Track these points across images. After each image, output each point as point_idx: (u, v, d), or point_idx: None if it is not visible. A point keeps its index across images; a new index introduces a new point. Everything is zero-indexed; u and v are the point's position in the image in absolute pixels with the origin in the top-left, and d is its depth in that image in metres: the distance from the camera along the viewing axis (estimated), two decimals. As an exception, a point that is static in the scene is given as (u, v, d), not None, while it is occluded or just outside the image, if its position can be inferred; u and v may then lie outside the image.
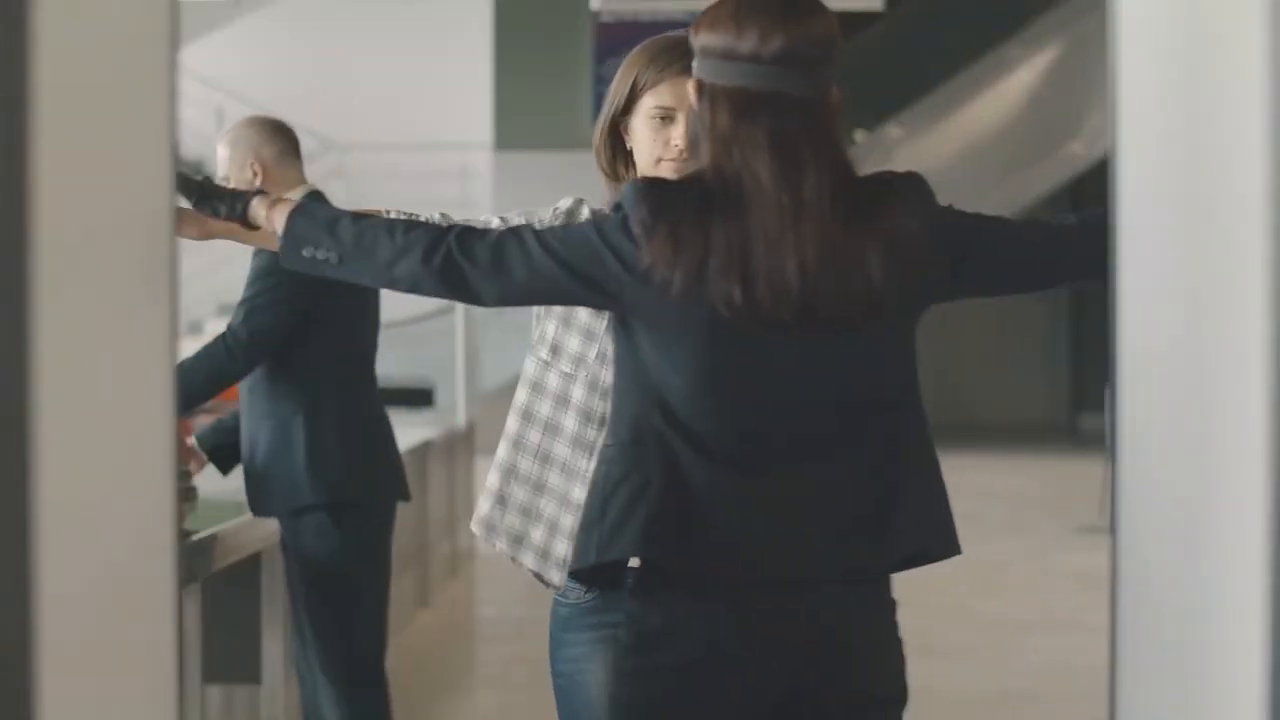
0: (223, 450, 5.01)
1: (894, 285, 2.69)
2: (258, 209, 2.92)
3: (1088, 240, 2.82)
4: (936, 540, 2.80)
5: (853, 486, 2.73)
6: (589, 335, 3.10)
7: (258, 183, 4.79)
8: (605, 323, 3.06)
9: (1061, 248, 2.90)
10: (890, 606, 2.83)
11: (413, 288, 2.78)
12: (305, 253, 2.82)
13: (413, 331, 17.12)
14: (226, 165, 4.85)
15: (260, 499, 4.79)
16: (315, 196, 4.81)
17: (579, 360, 3.09)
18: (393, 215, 2.98)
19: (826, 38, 2.75)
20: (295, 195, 4.76)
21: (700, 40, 2.77)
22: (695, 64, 2.78)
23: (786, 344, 2.69)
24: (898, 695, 2.81)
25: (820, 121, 2.72)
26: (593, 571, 2.75)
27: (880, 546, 2.74)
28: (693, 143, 2.88)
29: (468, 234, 2.77)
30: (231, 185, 4.76)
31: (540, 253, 2.73)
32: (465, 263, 2.74)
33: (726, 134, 2.71)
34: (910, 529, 2.75)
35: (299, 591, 4.80)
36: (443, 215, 3.04)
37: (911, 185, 2.76)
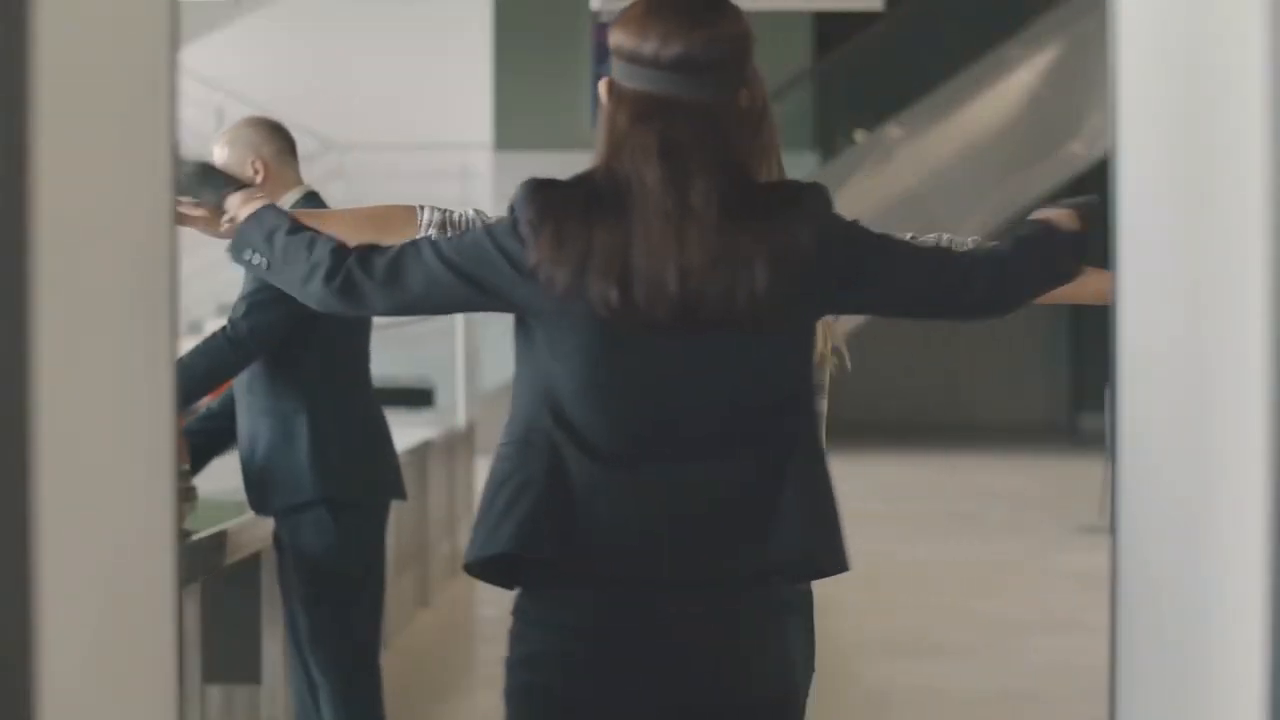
0: (195, 448, 4.99)
1: (779, 292, 2.69)
2: (232, 200, 3.00)
3: (987, 274, 2.83)
4: (823, 551, 2.76)
5: (736, 491, 2.72)
6: None
7: (259, 180, 4.79)
8: None
9: (959, 281, 2.85)
10: (781, 610, 2.80)
11: (321, 304, 2.83)
12: (245, 255, 2.91)
13: (413, 331, 17.10)
14: (226, 165, 4.83)
15: (259, 496, 4.79)
16: (311, 198, 4.83)
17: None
18: (426, 212, 3.05)
19: (733, 42, 2.77)
20: (292, 195, 4.78)
21: (612, 40, 2.81)
22: (612, 62, 2.82)
23: (670, 346, 2.71)
24: (779, 698, 2.80)
25: (718, 127, 2.74)
26: (475, 567, 2.76)
27: (762, 552, 2.72)
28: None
29: (370, 251, 2.82)
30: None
31: (436, 262, 2.76)
32: (364, 278, 2.79)
33: (621, 136, 2.74)
34: (793, 537, 2.72)
35: (295, 589, 4.80)
36: (477, 212, 3.06)
37: (811, 195, 2.76)
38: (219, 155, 4.86)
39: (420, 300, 2.79)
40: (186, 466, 4.79)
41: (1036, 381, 19.19)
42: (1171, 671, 2.18)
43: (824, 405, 3.39)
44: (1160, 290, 2.24)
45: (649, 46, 2.76)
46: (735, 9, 2.82)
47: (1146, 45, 2.30)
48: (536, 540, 2.70)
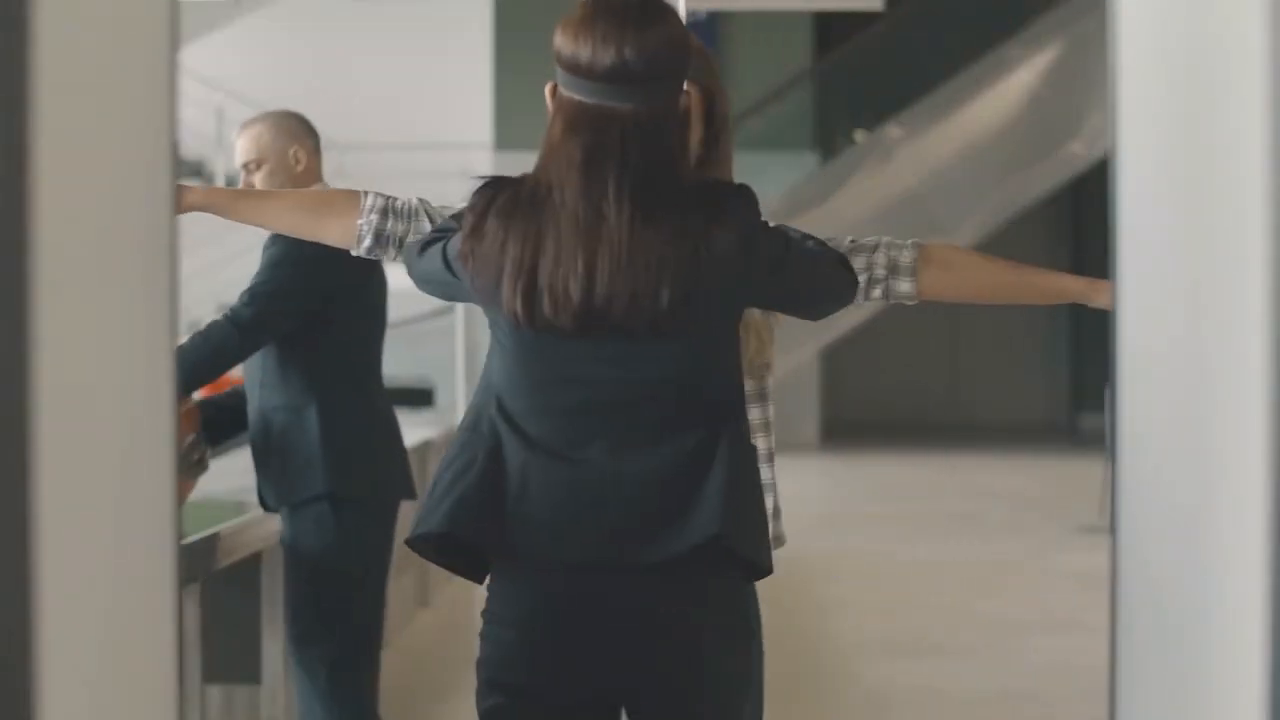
0: (216, 424, 4.96)
1: (692, 296, 2.77)
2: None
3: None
4: (741, 540, 2.81)
5: (659, 479, 2.80)
6: None
7: (298, 169, 4.77)
8: None
9: (845, 289, 2.99)
10: (705, 592, 2.84)
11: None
12: None
13: (413, 331, 17.10)
14: (263, 148, 4.78)
15: (268, 490, 4.78)
16: None
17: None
18: (369, 198, 3.13)
19: (665, 50, 2.82)
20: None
21: (555, 41, 2.88)
22: (555, 65, 2.88)
23: (581, 348, 2.80)
24: (715, 676, 2.85)
25: (646, 136, 2.80)
26: (415, 543, 2.88)
27: (680, 537, 2.78)
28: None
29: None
30: (266, 169, 4.75)
31: (417, 261, 2.93)
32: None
33: (554, 145, 2.83)
34: (707, 518, 2.77)
35: (292, 584, 4.79)
36: (421, 200, 3.14)
37: (737, 197, 2.83)
38: (256, 137, 4.79)
39: (429, 289, 2.96)
40: (193, 436, 4.75)
41: (1036, 381, 19.18)
42: (1171, 671, 2.18)
43: (770, 411, 3.39)
44: (1160, 290, 2.24)
45: (584, 56, 2.82)
46: (672, 15, 2.87)
47: (1146, 45, 2.30)
48: (469, 520, 2.81)
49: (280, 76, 18.22)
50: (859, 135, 16.77)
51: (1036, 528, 11.57)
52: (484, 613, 2.89)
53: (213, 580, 4.53)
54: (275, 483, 4.76)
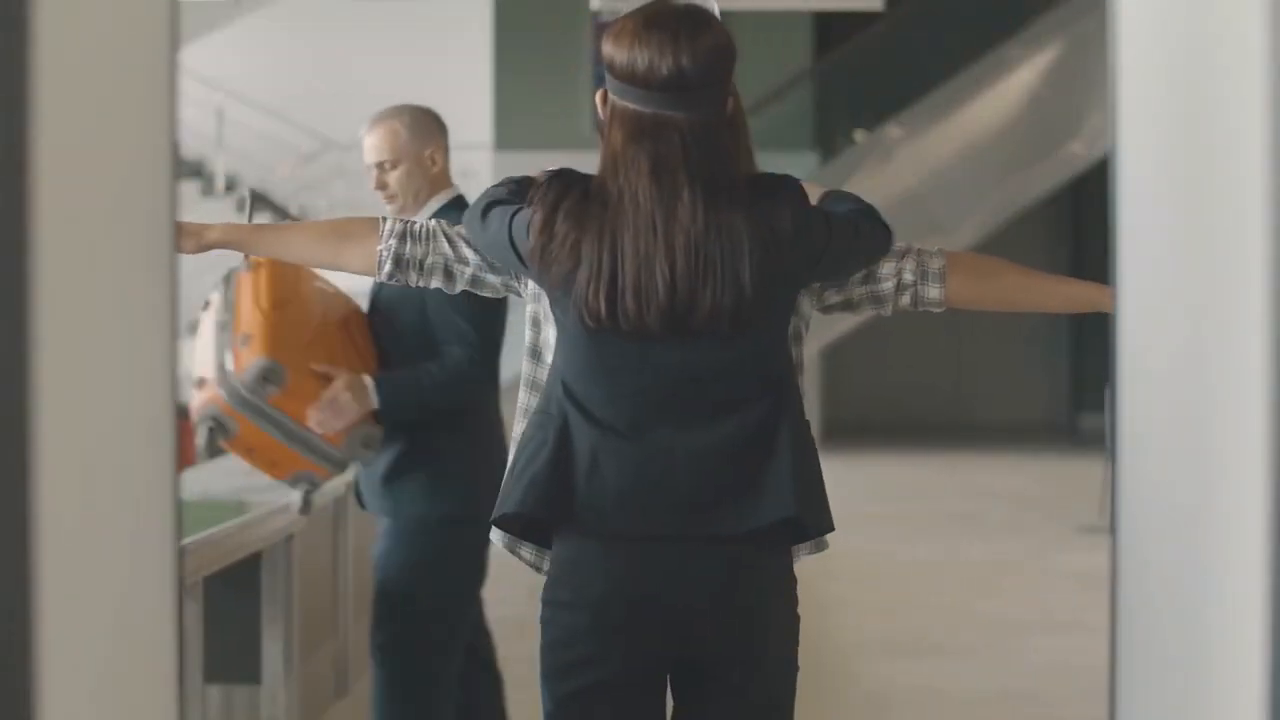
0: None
1: (766, 283, 2.91)
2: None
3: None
4: (809, 512, 2.96)
5: (724, 453, 2.92)
6: None
7: (435, 170, 4.66)
8: None
9: (882, 235, 3.14)
10: (776, 572, 2.99)
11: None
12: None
13: (413, 331, 17.09)
14: (399, 148, 4.65)
15: (375, 494, 4.76)
16: (459, 201, 4.69)
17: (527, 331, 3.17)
18: (388, 223, 3.17)
19: (717, 57, 2.95)
20: (445, 196, 4.67)
21: (605, 52, 2.96)
22: (606, 73, 2.97)
23: (660, 348, 2.92)
24: (775, 657, 2.99)
25: (705, 140, 2.93)
26: (500, 524, 3.01)
27: (749, 512, 2.92)
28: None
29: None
30: (402, 169, 4.64)
31: (481, 226, 3.04)
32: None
33: (617, 153, 2.93)
34: (779, 498, 2.92)
35: (393, 594, 4.75)
36: (438, 222, 3.18)
37: (787, 185, 2.97)
38: (391, 136, 4.67)
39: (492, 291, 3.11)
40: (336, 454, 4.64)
41: (1036, 381, 19.17)
42: (1171, 671, 2.18)
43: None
44: (1160, 290, 2.24)
45: (640, 65, 2.92)
46: (718, 23, 3.00)
47: (1146, 45, 2.30)
48: (540, 501, 2.93)
49: (280, 76, 18.22)
50: (859, 135, 16.77)
51: (1036, 528, 11.56)
52: (546, 599, 2.97)
53: (213, 580, 4.52)
54: (393, 492, 4.72)
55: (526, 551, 3.09)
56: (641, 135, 2.92)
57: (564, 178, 2.95)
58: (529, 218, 2.94)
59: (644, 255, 2.88)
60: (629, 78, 2.92)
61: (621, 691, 2.93)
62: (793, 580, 3.01)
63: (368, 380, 4.60)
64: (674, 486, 2.91)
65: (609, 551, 2.92)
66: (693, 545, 2.92)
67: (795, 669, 3.03)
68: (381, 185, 4.67)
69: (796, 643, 3.04)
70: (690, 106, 2.92)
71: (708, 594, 2.92)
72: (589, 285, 2.88)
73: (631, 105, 2.93)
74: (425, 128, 4.70)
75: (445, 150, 4.74)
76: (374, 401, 4.59)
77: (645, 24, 2.92)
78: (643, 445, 2.92)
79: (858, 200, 3.14)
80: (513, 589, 8.69)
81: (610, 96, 2.96)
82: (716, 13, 3.03)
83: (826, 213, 3.03)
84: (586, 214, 2.90)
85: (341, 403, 4.55)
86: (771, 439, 2.94)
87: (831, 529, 3.02)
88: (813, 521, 2.97)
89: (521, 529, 3.00)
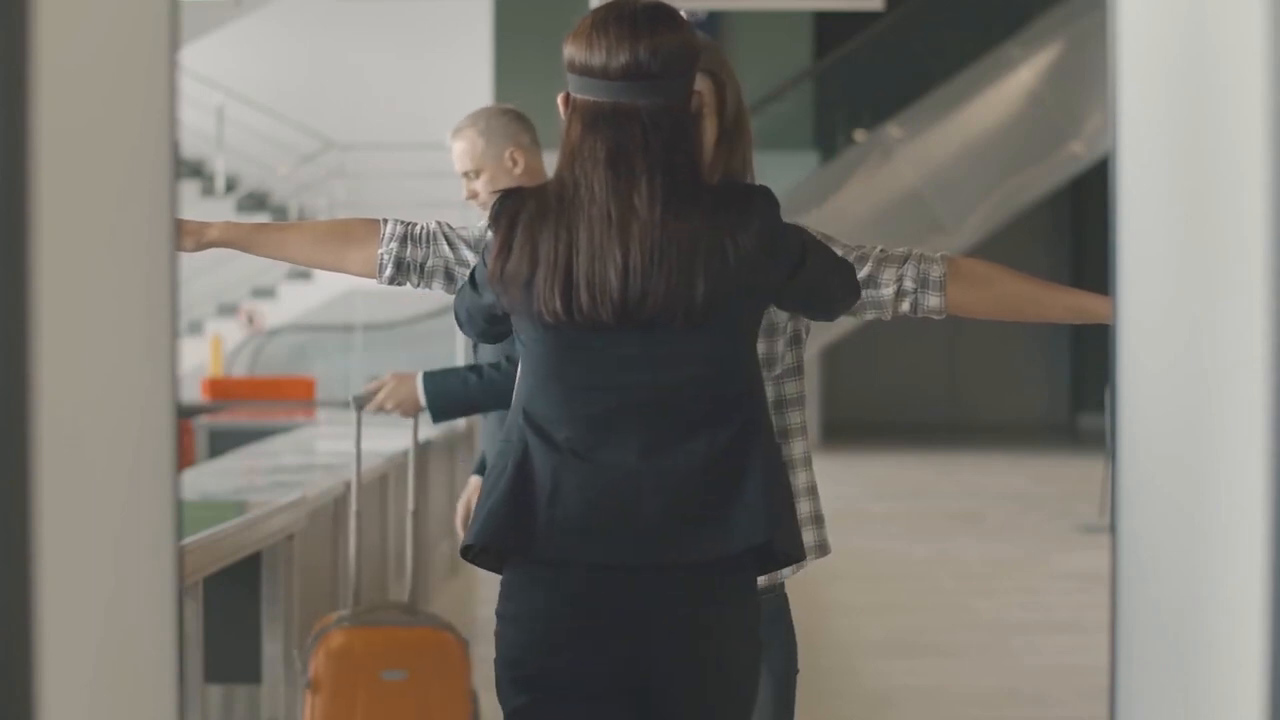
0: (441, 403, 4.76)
1: (722, 289, 2.82)
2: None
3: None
4: (781, 537, 2.87)
5: (692, 478, 2.83)
6: None
7: (517, 172, 4.64)
8: None
9: (852, 294, 3.08)
10: (743, 597, 2.89)
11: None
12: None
13: (413, 331, 17.11)
14: (479, 157, 4.67)
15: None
16: None
17: None
18: (389, 225, 3.17)
19: (677, 49, 2.89)
20: None
21: (565, 53, 2.93)
22: (566, 74, 2.93)
23: (616, 343, 2.84)
24: (740, 683, 2.90)
25: (666, 131, 2.86)
26: (463, 555, 2.93)
27: (721, 537, 2.83)
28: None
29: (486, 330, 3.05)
30: (485, 176, 4.62)
31: (471, 303, 2.97)
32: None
33: (575, 146, 2.88)
34: (752, 522, 2.83)
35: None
36: (439, 223, 3.18)
37: (760, 198, 2.89)
38: (469, 145, 4.67)
39: (490, 332, 3.01)
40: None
41: (1036, 381, 19.18)
42: (1171, 671, 2.18)
43: (802, 417, 3.38)
44: (1160, 290, 2.24)
45: (597, 58, 2.88)
46: (679, 19, 2.96)
47: (1146, 45, 2.30)
48: (497, 532, 2.85)
49: (280, 76, 18.22)
50: (859, 135, 16.77)
51: (1036, 528, 11.57)
52: (500, 612, 2.91)
53: (213, 580, 4.53)
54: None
55: None
56: (600, 124, 2.87)
57: (513, 195, 2.89)
58: (487, 245, 2.89)
59: (598, 247, 2.81)
60: (586, 70, 2.88)
61: (572, 708, 2.85)
62: (757, 608, 2.90)
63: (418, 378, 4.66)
64: (637, 514, 2.82)
65: (562, 576, 2.84)
66: (652, 573, 2.83)
67: (753, 702, 2.93)
68: (472, 194, 4.67)
69: (758, 674, 2.94)
70: (650, 94, 2.86)
71: (666, 623, 2.83)
72: (545, 283, 2.81)
73: (590, 97, 2.88)
74: (501, 131, 4.68)
75: (528, 148, 4.69)
76: (421, 398, 4.62)
77: (604, 19, 2.89)
78: (605, 468, 2.83)
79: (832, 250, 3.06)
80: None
81: (570, 94, 2.91)
82: (683, 13, 3.02)
83: (805, 233, 2.97)
84: (543, 216, 2.84)
85: (389, 388, 4.63)
86: (742, 460, 2.83)
87: (803, 556, 2.93)
88: (784, 546, 2.87)
89: (485, 560, 2.91)
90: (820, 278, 2.98)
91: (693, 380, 2.85)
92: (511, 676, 2.88)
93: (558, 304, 2.81)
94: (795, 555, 2.89)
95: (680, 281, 2.80)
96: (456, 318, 3.05)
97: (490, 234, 2.89)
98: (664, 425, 2.84)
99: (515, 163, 4.66)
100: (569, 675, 2.85)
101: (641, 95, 2.86)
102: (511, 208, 2.87)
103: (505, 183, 4.61)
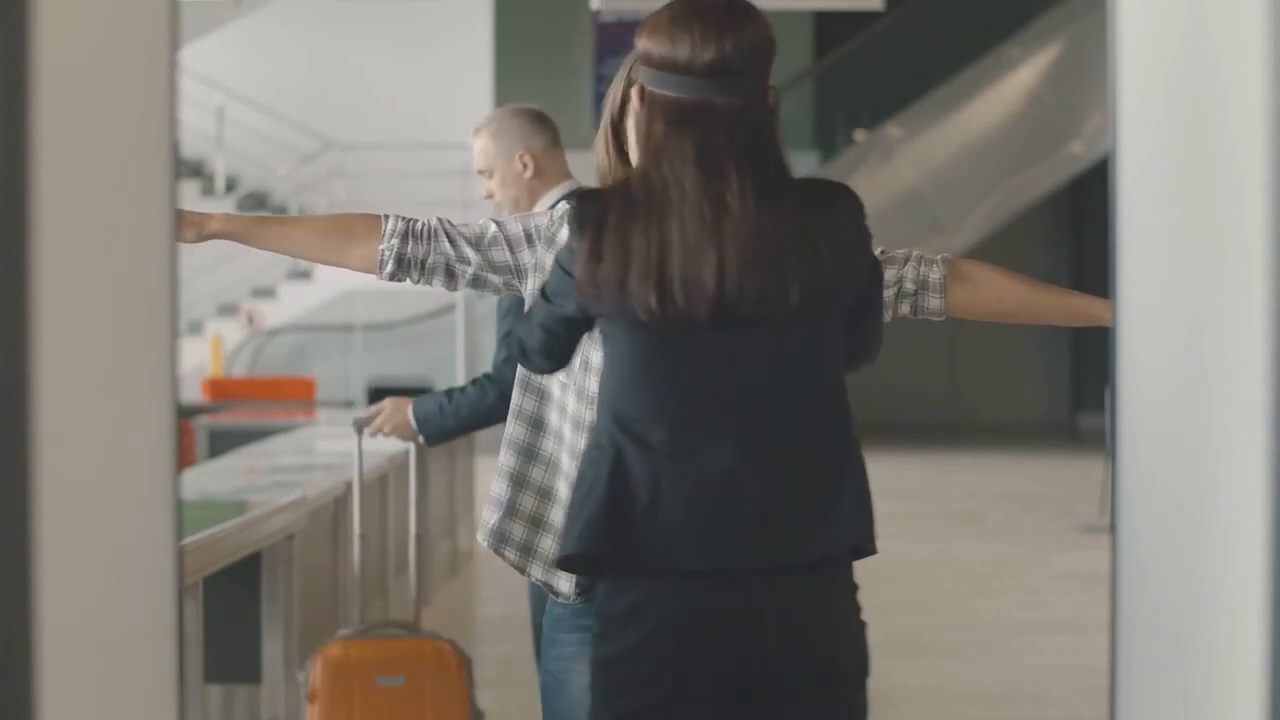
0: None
1: (814, 286, 2.82)
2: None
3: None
4: (871, 533, 2.92)
5: (789, 478, 2.84)
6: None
7: (527, 175, 4.60)
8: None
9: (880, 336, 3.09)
10: (845, 590, 2.93)
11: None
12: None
13: (413, 331, 17.11)
14: (490, 158, 4.63)
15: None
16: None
17: (569, 369, 3.10)
18: (390, 220, 3.13)
19: (760, 46, 2.87)
20: (559, 190, 4.58)
21: (641, 46, 2.89)
22: (640, 68, 2.90)
23: (711, 343, 2.82)
24: (852, 674, 2.92)
25: (750, 128, 2.85)
26: (562, 565, 2.91)
27: (824, 536, 2.85)
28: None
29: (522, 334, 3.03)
30: (496, 178, 4.60)
31: (547, 315, 2.96)
32: (524, 359, 3.04)
33: (659, 143, 2.85)
34: (851, 520, 2.87)
35: None
36: (440, 220, 3.13)
37: (846, 198, 2.89)
38: (482, 147, 4.65)
39: (561, 348, 2.99)
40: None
41: (1036, 381, 19.18)
42: (1171, 671, 2.18)
43: None
44: (1160, 290, 2.24)
45: (682, 53, 2.84)
46: (759, 13, 2.93)
47: (1146, 45, 2.30)
48: (598, 538, 2.82)
49: (280, 76, 18.22)
50: (859, 135, 16.77)
51: (1036, 528, 11.57)
52: (599, 638, 2.87)
53: (213, 580, 4.53)
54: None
55: (563, 583, 3.06)
56: (684, 122, 2.84)
57: (593, 199, 2.86)
58: (571, 248, 2.86)
59: (692, 245, 2.79)
60: (669, 66, 2.85)
61: (684, 712, 2.83)
62: (858, 606, 2.94)
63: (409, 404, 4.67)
64: (739, 516, 2.81)
65: (667, 583, 2.82)
66: (756, 576, 2.82)
67: (865, 703, 2.93)
68: (488, 194, 4.67)
69: (867, 672, 2.95)
70: (734, 93, 2.84)
71: (777, 626, 2.83)
72: (639, 282, 2.78)
73: (672, 93, 2.85)
74: (513, 133, 4.64)
75: (542, 149, 4.63)
76: (412, 421, 4.63)
77: (684, 12, 2.86)
78: (703, 472, 2.81)
79: None
80: (510, 589, 8.70)
81: (647, 89, 2.87)
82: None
83: (876, 258, 3.00)
84: (632, 216, 2.81)
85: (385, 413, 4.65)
86: (836, 459, 2.86)
87: (875, 551, 2.96)
88: (871, 539, 2.91)
89: (585, 568, 2.89)
90: (880, 276, 3.01)
91: (785, 379, 2.84)
92: (616, 689, 2.85)
93: (652, 300, 2.79)
94: (872, 549, 2.93)
95: (775, 279, 2.79)
96: (521, 348, 3.01)
97: (571, 238, 2.86)
98: (758, 426, 2.83)
99: (525, 165, 4.61)
100: (677, 683, 2.82)
101: (726, 93, 2.84)
102: (595, 211, 2.84)
103: (515, 185, 4.61)
